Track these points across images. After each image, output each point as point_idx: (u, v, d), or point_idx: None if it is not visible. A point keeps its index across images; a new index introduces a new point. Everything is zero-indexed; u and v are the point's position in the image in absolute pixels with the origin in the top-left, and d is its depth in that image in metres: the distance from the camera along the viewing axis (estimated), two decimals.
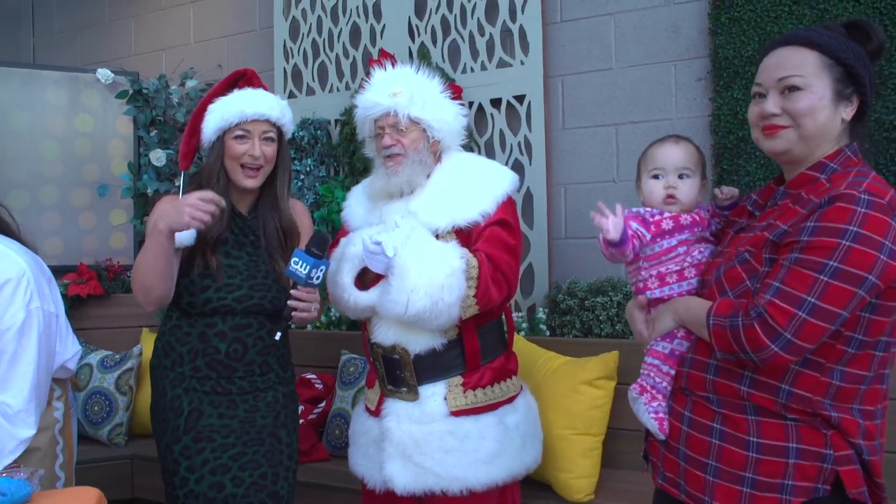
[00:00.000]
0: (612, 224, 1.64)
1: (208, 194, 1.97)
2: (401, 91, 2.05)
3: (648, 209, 1.72)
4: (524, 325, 3.08)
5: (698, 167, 1.73)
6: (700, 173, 1.74)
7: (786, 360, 1.40)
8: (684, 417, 1.57)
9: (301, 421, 3.07)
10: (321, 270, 1.99)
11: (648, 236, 1.68)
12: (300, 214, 2.31)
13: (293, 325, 2.14)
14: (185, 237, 2.04)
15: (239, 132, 2.10)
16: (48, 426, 1.96)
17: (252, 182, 2.14)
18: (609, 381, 2.55)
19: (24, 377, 1.84)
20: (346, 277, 2.06)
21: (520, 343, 2.81)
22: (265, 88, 2.21)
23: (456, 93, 2.26)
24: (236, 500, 2.08)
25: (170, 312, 2.20)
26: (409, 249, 1.95)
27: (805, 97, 1.48)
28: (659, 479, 1.64)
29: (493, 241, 2.01)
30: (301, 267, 1.97)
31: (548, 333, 3.06)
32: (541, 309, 3.13)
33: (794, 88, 1.49)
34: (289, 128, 2.23)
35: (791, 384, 1.44)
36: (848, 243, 1.34)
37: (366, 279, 2.09)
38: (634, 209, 1.72)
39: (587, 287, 3.01)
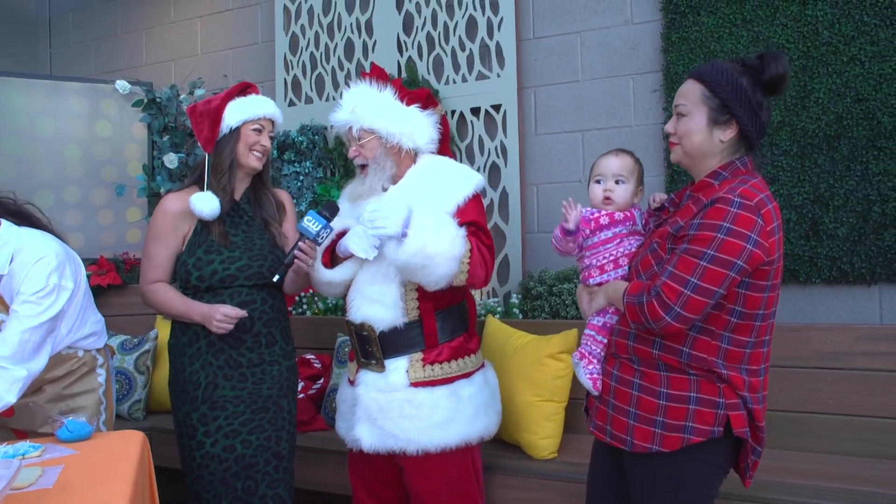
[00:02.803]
0: (573, 216, 2.00)
1: (233, 311, 2.36)
2: (354, 107, 2.33)
3: (589, 209, 2.06)
4: (499, 308, 3.44)
5: (633, 174, 2.06)
6: (635, 180, 2.07)
7: (677, 329, 1.73)
8: (613, 375, 1.91)
9: (302, 395, 3.40)
10: (327, 232, 2.30)
11: (588, 231, 2.04)
12: (286, 199, 2.69)
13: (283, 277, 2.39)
14: (209, 213, 2.41)
15: (257, 126, 2.50)
16: (94, 389, 2.31)
17: (259, 163, 2.53)
18: (569, 354, 2.87)
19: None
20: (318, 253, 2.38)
21: (494, 324, 3.17)
22: None
23: (415, 98, 2.42)
24: (245, 460, 2.41)
25: (184, 294, 2.51)
26: (424, 213, 2.17)
27: (684, 122, 1.85)
28: (591, 427, 1.99)
29: (476, 234, 2.26)
30: (313, 224, 2.29)
31: (520, 316, 3.41)
32: (515, 295, 3.48)
33: (681, 114, 1.86)
34: (277, 131, 2.67)
35: (690, 347, 1.79)
36: (722, 236, 1.68)
37: (335, 261, 2.38)
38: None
39: (555, 275, 3.35)
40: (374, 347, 2.32)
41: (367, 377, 2.36)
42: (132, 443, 1.90)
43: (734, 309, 1.76)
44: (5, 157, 3.94)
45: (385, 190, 2.37)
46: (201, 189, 2.47)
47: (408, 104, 2.39)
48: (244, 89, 2.53)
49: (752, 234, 1.68)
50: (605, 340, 1.98)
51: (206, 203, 2.41)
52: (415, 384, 2.30)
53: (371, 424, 2.32)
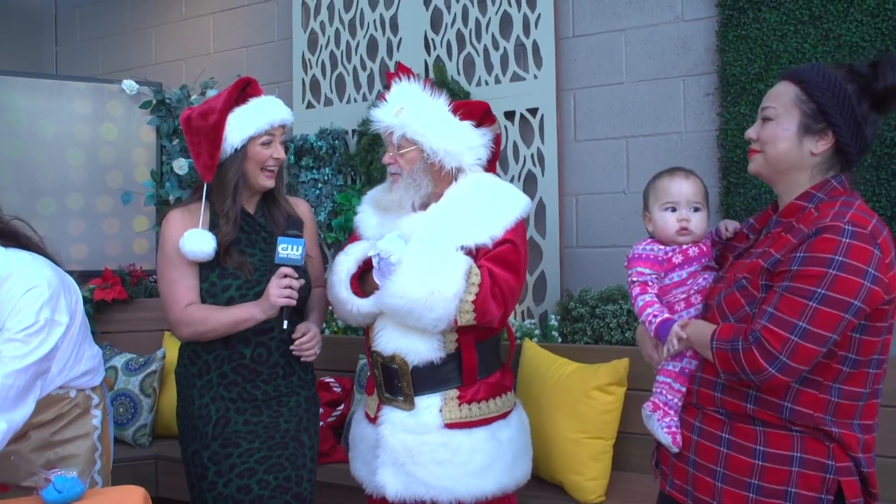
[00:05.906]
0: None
1: (285, 278, 2.08)
2: (402, 109, 2.08)
3: (659, 248, 1.80)
4: (536, 331, 3.17)
5: (706, 200, 1.83)
6: (707, 206, 1.83)
7: (783, 381, 1.49)
8: (695, 428, 1.66)
9: (320, 423, 3.16)
10: (303, 248, 2.11)
11: (662, 274, 1.78)
12: (305, 212, 2.40)
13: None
14: (202, 255, 2.15)
15: (266, 138, 2.20)
16: (87, 433, 2.04)
17: (271, 182, 2.25)
18: (620, 387, 2.63)
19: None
20: (343, 292, 2.15)
21: (532, 349, 2.91)
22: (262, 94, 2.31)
23: (471, 112, 2.18)
24: (262, 502, 2.15)
25: None
26: (417, 248, 2.01)
27: (771, 127, 1.61)
28: (668, 487, 1.73)
29: (496, 259, 2.03)
30: (293, 250, 2.08)
31: (560, 340, 3.14)
32: (553, 316, 3.22)
33: (767, 118, 1.62)
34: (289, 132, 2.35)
35: (792, 402, 1.53)
36: (834, 272, 1.44)
37: (367, 288, 2.15)
38: (644, 251, 1.80)
39: (598, 295, 3.09)
40: (403, 383, 2.09)
41: (393, 415, 2.12)
42: (131, 502, 1.62)
43: (846, 357, 1.51)
44: (5, 160, 3.75)
45: (416, 209, 2.12)
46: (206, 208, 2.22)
47: (462, 118, 2.13)
48: (243, 89, 2.20)
49: (870, 268, 1.44)
50: (684, 389, 1.71)
51: (198, 244, 2.15)
52: (450, 425, 2.08)
53: (397, 470, 2.08)
